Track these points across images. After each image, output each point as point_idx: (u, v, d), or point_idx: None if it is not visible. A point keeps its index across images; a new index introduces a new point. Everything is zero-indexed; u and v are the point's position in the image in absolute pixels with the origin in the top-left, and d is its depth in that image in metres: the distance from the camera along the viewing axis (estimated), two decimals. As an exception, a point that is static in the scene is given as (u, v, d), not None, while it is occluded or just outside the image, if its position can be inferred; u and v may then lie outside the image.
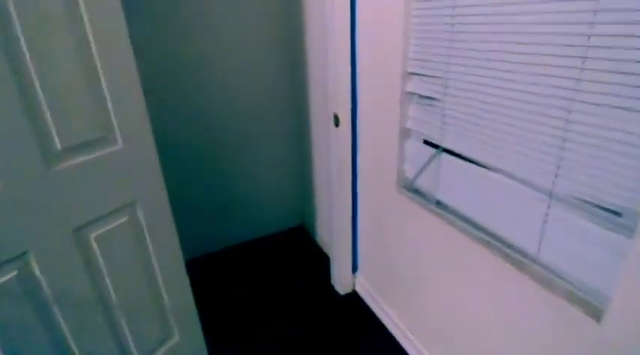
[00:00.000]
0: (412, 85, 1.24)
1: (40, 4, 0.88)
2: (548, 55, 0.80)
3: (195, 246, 2.30)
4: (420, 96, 1.24)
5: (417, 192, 1.35)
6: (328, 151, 1.90)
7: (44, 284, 1.01)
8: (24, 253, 0.96)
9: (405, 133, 1.34)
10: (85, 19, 0.97)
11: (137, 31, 1.74)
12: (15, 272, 0.94)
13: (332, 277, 2.00)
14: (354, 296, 1.94)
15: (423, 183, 1.33)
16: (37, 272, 0.99)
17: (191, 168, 2.11)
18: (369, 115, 1.49)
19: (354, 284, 1.97)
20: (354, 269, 1.94)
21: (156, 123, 1.91)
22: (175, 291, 1.39)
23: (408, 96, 1.28)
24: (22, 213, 0.93)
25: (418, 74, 1.21)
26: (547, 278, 0.90)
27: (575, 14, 0.74)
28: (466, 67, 1.01)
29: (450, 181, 1.20)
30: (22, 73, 0.88)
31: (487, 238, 1.06)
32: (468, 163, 1.12)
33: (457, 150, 1.13)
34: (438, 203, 1.26)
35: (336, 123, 1.55)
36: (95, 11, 0.99)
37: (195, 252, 2.32)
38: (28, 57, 0.88)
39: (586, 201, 0.82)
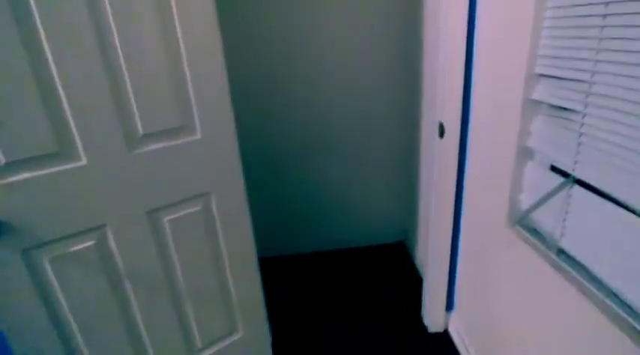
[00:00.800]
0: (540, 91, 0.93)
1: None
2: None
3: (287, 244, 2.31)
4: (551, 106, 0.92)
5: (533, 231, 1.02)
6: (432, 165, 1.64)
7: (118, 257, 1.08)
8: (102, 225, 1.04)
9: (524, 153, 1.02)
10: (174, 9, 0.99)
11: (244, 30, 1.79)
12: (92, 242, 1.03)
13: (423, 309, 1.73)
14: (444, 337, 1.64)
15: (542, 221, 0.99)
16: (113, 245, 1.06)
17: (292, 167, 2.11)
18: (481, 126, 1.20)
19: (446, 324, 1.67)
20: (449, 306, 1.63)
21: (257, 120, 1.96)
22: (244, 286, 1.37)
23: (532, 105, 0.97)
24: (103, 188, 1.01)
25: (550, 76, 0.90)
26: None
27: None
28: (625, 65, 0.69)
29: (582, 226, 0.85)
30: (110, 59, 0.94)
31: (628, 318, 0.71)
32: (612, 205, 0.77)
33: (596, 183, 0.79)
34: (561, 252, 0.92)
35: (441, 133, 1.30)
36: (185, 2, 1.00)
37: (285, 250, 2.32)
38: (117, 44, 0.94)
39: None
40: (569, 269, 0.86)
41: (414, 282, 2.00)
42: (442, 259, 1.50)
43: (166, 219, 1.13)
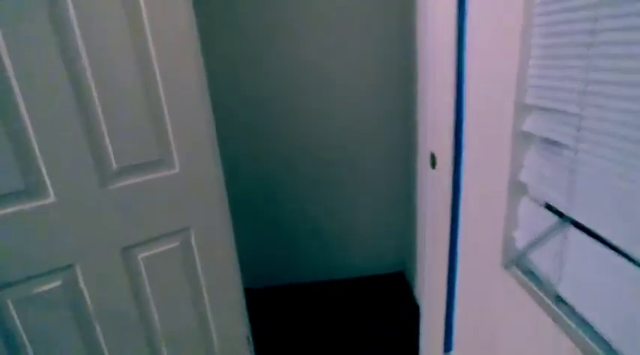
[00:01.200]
0: (531, 123, 0.87)
1: (103, 23, 0.91)
2: None
3: (279, 274, 2.23)
4: (542, 139, 0.85)
5: (530, 273, 0.94)
6: (425, 198, 1.57)
7: (87, 298, 1.03)
8: (70, 265, 0.99)
9: (517, 188, 0.95)
10: (149, 37, 0.97)
11: (228, 51, 1.79)
12: (59, 282, 0.98)
13: (420, 351, 1.63)
14: (445, 381, 1.53)
15: (539, 263, 0.91)
16: (82, 285, 1.01)
17: (285, 194, 2.06)
18: (473, 157, 1.13)
19: (447, 366, 1.55)
20: (448, 347, 1.52)
21: (247, 144, 1.93)
22: (227, 325, 1.30)
23: (524, 137, 0.90)
24: (73, 226, 0.97)
25: (540, 108, 0.84)
26: None
27: None
28: (614, 99, 0.62)
29: (580, 272, 0.77)
30: (83, 92, 0.92)
31: (632, 389, 0.62)
32: (611, 252, 0.69)
33: (592, 226, 0.72)
34: (559, 299, 0.84)
35: (433, 163, 1.24)
36: (161, 29, 0.98)
37: (277, 281, 2.24)
38: (89, 74, 0.92)
39: None
40: (568, 321, 0.78)
41: (412, 315, 1.90)
42: (438, 298, 1.41)
43: (141, 256, 1.08)
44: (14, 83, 0.84)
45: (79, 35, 0.89)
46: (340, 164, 2.01)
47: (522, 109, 0.89)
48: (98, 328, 1.06)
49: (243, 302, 1.33)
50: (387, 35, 1.81)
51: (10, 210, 0.89)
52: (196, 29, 1.05)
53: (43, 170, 0.91)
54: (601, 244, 0.71)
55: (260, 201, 2.04)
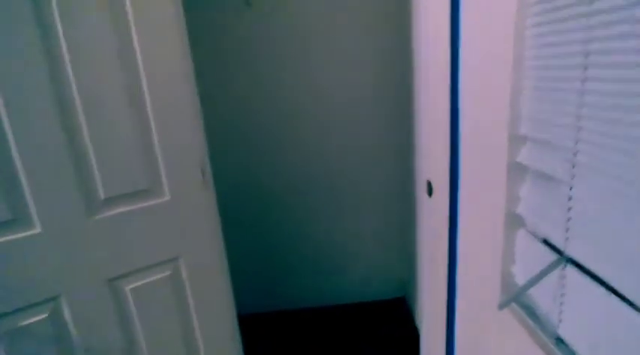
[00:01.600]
0: (525, 154, 0.84)
1: (93, 51, 0.91)
2: None
3: (276, 300, 2.18)
4: (538, 172, 0.82)
5: (530, 311, 0.90)
6: (421, 225, 1.54)
7: (73, 330, 1.00)
8: (56, 297, 0.97)
9: (513, 221, 0.92)
10: (140, 64, 0.97)
11: (223, 72, 1.79)
12: (45, 315, 0.96)
13: (421, 382, 1.56)
14: (446, 417, 1.45)
15: (538, 300, 0.87)
16: (67, 317, 0.99)
17: (282, 217, 2.03)
18: (469, 187, 1.10)
19: (449, 401, 1.48)
20: (449, 382, 1.46)
21: (243, 170, 1.92)
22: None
23: (519, 168, 0.88)
24: (59, 257, 0.95)
25: (535, 140, 0.81)
26: None
27: None
28: (607, 137, 0.60)
29: (580, 312, 0.73)
30: (71, 121, 0.92)
31: None
32: (611, 296, 0.65)
33: (590, 267, 0.68)
34: (560, 341, 0.79)
35: (429, 191, 1.21)
36: (151, 57, 0.98)
37: (274, 306, 2.18)
38: (78, 105, 0.92)
39: None
40: (568, 365, 0.73)
41: (413, 341, 1.83)
42: (438, 329, 1.36)
43: (129, 287, 1.06)
44: (1, 111, 0.84)
45: (69, 62, 0.89)
46: (339, 188, 1.99)
47: (516, 140, 0.86)
48: (83, 361, 1.03)
49: (238, 332, 1.29)
50: (386, 56, 1.81)
51: (-6, 241, 0.88)
52: (189, 53, 1.06)
53: (29, 200, 0.90)
54: (600, 285, 0.67)
55: (254, 223, 2.02)
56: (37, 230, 0.92)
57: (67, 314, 0.99)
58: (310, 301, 2.18)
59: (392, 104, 1.87)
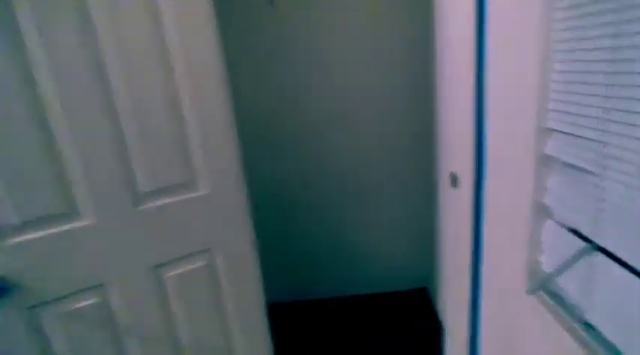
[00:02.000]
0: (553, 146, 0.86)
1: (136, 57, 0.97)
2: None
3: (302, 289, 2.24)
4: (566, 163, 0.85)
5: (558, 298, 0.92)
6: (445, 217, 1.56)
7: (119, 314, 1.08)
8: (104, 283, 1.04)
9: (541, 211, 0.94)
10: (178, 63, 1.02)
11: (254, 67, 1.83)
12: (93, 300, 1.03)
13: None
14: (470, 404, 1.49)
15: (566, 287, 0.89)
16: (113, 302, 1.06)
17: (308, 208, 2.08)
18: (495, 178, 1.13)
19: (473, 389, 1.52)
20: (473, 369, 1.49)
21: (270, 165, 1.97)
22: (251, 344, 1.32)
23: (546, 160, 0.90)
24: (106, 246, 1.02)
25: (563, 132, 0.83)
26: None
27: None
28: (635, 128, 0.62)
29: (609, 298, 0.76)
30: (117, 121, 0.98)
31: None
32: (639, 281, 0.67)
33: (621, 255, 0.71)
34: (589, 327, 0.82)
35: (454, 183, 1.24)
36: (188, 53, 1.02)
37: (300, 295, 2.25)
38: (123, 108, 0.98)
39: None
40: (596, 348, 0.76)
41: (435, 331, 1.87)
42: (461, 319, 1.39)
43: (168, 275, 1.12)
44: (59, 112, 0.90)
45: (113, 65, 0.95)
46: (362, 181, 2.02)
47: (544, 132, 0.88)
48: (129, 342, 1.10)
49: (266, 321, 1.34)
50: (408, 51, 1.83)
51: (51, 231, 0.95)
52: (223, 58, 1.10)
53: (80, 194, 0.97)
54: (629, 272, 0.70)
55: (278, 214, 2.07)
56: (87, 221, 0.99)
57: (113, 299, 1.06)
58: (334, 291, 2.23)
59: (413, 97, 1.89)
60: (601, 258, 0.77)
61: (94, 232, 1.00)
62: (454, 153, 1.21)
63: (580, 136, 0.77)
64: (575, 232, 0.85)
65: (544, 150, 0.89)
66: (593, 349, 0.76)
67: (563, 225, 0.89)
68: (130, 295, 1.07)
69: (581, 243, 0.82)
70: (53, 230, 0.95)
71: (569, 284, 0.88)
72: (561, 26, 0.77)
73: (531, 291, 0.96)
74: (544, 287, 0.96)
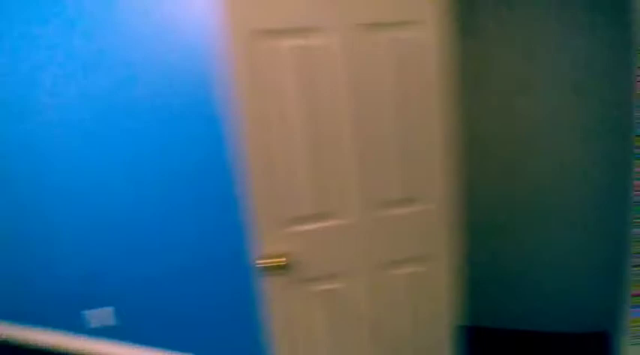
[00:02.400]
0: None
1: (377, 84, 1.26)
2: None
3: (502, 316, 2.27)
4: None
5: None
6: None
7: (355, 300, 1.34)
8: (348, 271, 1.32)
9: None
10: (408, 87, 1.25)
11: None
12: (338, 285, 1.32)
13: None
14: None
15: None
16: (352, 289, 1.33)
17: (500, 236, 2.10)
18: None
19: None
20: None
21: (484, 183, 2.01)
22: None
23: None
24: (351, 243, 1.30)
25: None
26: None
27: None
28: None
29: None
30: (360, 143, 1.26)
31: None
32: None
33: None
34: None
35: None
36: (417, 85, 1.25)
37: (498, 323, 2.28)
38: (366, 134, 1.27)
39: None
40: None
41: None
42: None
43: (393, 273, 1.36)
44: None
45: (360, 90, 1.22)
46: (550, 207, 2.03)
47: None
48: (354, 322, 1.35)
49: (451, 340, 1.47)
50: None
51: (317, 225, 1.27)
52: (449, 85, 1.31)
53: (335, 200, 1.27)
54: None
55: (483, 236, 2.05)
56: (342, 221, 1.29)
57: (352, 286, 1.33)
58: (529, 324, 2.24)
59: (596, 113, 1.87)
60: None
61: (346, 229, 1.29)
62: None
63: None
64: None
65: None
66: None
67: None
68: (366, 285, 1.33)
69: None
70: (319, 224, 1.27)
71: None
72: None
73: None
74: None
